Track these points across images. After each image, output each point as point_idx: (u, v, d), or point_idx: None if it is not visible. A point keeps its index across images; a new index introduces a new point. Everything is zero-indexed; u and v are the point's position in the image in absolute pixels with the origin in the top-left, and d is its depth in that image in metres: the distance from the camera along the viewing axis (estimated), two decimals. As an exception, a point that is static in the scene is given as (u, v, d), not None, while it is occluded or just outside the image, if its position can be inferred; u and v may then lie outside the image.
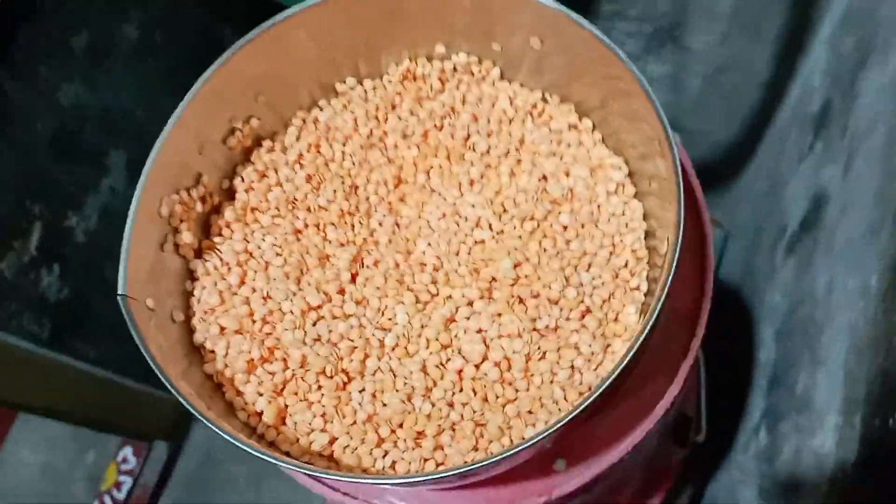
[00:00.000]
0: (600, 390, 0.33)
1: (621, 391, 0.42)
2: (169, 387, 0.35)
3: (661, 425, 0.45)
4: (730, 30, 0.93)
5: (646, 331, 0.34)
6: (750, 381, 0.78)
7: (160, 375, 0.36)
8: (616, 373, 0.34)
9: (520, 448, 0.32)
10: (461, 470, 0.33)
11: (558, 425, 0.33)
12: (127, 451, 1.24)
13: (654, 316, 0.34)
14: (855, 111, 0.66)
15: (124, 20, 0.99)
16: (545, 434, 0.33)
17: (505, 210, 0.43)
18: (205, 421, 0.35)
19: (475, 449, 0.38)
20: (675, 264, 0.35)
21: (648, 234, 0.42)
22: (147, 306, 0.39)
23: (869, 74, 0.64)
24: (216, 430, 0.34)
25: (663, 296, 0.34)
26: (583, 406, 0.33)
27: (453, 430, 0.39)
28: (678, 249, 0.35)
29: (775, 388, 0.69)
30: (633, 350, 0.34)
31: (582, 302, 0.40)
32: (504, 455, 0.33)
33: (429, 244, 0.44)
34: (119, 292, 0.37)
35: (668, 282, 0.34)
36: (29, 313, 0.94)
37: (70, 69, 0.92)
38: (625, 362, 0.34)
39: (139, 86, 1.01)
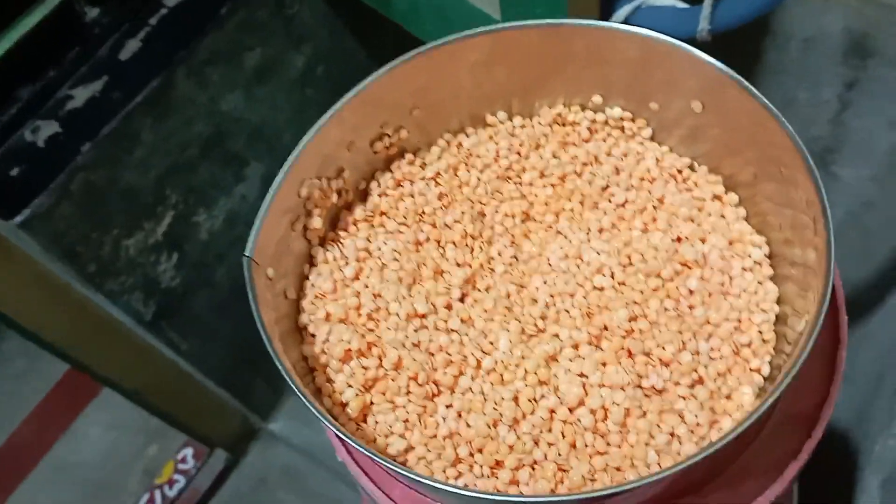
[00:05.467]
0: (696, 458, 0.31)
1: (715, 481, 0.39)
2: (271, 352, 0.36)
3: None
4: (884, 169, 0.90)
5: (761, 410, 0.32)
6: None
7: (266, 340, 0.36)
8: (719, 445, 0.31)
9: (621, 489, 0.30)
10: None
11: (648, 480, 0.31)
12: (187, 452, 1.25)
13: (774, 398, 0.32)
14: None
15: (296, 50, 1.06)
16: (633, 486, 0.31)
17: (631, 263, 0.42)
18: (299, 394, 0.35)
19: (552, 493, 0.36)
20: (807, 352, 0.32)
21: (779, 320, 0.40)
22: (267, 275, 0.40)
23: None
24: (308, 404, 0.34)
25: (787, 380, 0.31)
26: (675, 469, 0.31)
27: (533, 468, 0.37)
28: (813, 339, 0.33)
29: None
30: (744, 426, 0.32)
31: (695, 370, 0.38)
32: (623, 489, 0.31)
33: (544, 282, 0.43)
34: (246, 254, 0.38)
35: (798, 365, 0.32)
36: (139, 292, 0.99)
37: (237, 81, 0.99)
38: (732, 436, 0.31)
39: (293, 110, 1.07)
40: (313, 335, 0.42)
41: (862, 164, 0.92)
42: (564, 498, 0.32)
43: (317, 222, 0.44)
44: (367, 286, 0.43)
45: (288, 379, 0.35)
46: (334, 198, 0.45)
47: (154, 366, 1.07)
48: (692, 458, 0.30)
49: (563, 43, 0.44)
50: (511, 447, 0.37)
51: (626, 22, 0.65)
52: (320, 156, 0.43)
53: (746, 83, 0.39)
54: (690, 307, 0.40)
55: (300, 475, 1.20)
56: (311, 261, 0.45)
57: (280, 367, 0.35)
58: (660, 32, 0.64)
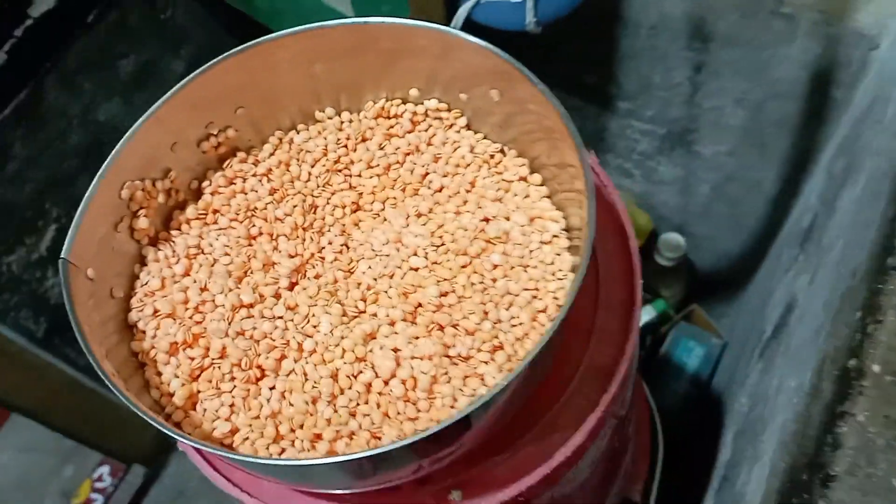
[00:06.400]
0: (467, 411, 0.34)
1: (525, 437, 0.43)
2: (86, 351, 0.37)
3: (570, 478, 0.45)
4: (738, 144, 0.96)
5: (529, 358, 0.35)
6: (707, 482, 0.77)
7: (81, 341, 0.38)
8: (490, 396, 0.35)
9: (387, 448, 0.33)
10: (337, 459, 0.34)
11: (423, 435, 0.34)
12: (104, 470, 1.23)
13: (539, 349, 0.35)
14: (829, 226, 0.67)
15: (174, 54, 1.06)
16: (404, 443, 0.34)
17: (443, 243, 0.45)
18: (114, 389, 0.36)
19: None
20: (569, 306, 0.36)
21: (576, 286, 0.44)
22: (87, 276, 0.41)
23: (845, 193, 0.66)
24: (125, 400, 0.36)
25: (551, 333, 0.35)
26: (449, 422, 0.34)
27: (350, 438, 0.40)
28: (574, 293, 0.37)
29: (724, 487, 0.68)
30: (517, 374, 0.35)
31: (496, 337, 0.41)
32: (385, 449, 0.34)
33: (369, 266, 0.46)
34: (62, 256, 0.40)
35: (559, 322, 0.36)
36: (27, 309, 0.97)
37: (113, 89, 0.98)
38: (500, 388, 0.35)
39: (174, 115, 1.06)
40: (143, 331, 0.43)
41: (719, 141, 0.98)
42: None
43: (143, 223, 0.45)
44: (195, 281, 0.45)
45: (102, 374, 0.36)
46: (161, 198, 0.47)
47: (52, 383, 1.04)
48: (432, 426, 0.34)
49: (375, 40, 0.47)
50: (329, 421, 0.40)
51: (468, 17, 0.69)
52: (140, 158, 0.44)
53: (523, 68, 0.42)
54: (493, 280, 0.44)
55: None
56: (143, 261, 0.46)
57: (94, 365, 0.37)
58: (498, 26, 0.68)
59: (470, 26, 0.72)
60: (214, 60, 0.45)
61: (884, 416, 0.36)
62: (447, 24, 0.71)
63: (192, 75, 0.45)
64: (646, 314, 1.08)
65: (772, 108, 0.88)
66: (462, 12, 0.68)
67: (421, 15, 0.68)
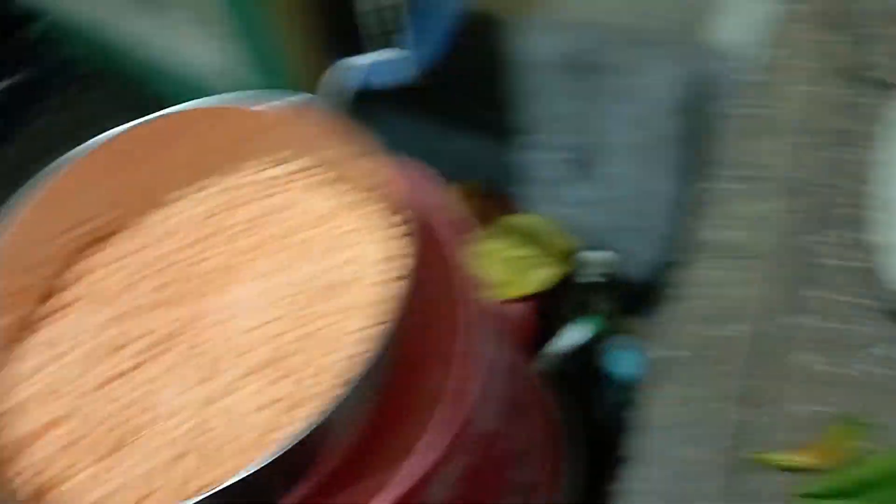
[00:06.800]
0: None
1: (358, 468, 0.46)
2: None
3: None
4: (641, 162, 1.01)
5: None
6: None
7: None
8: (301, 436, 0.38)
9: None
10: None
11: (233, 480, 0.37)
12: None
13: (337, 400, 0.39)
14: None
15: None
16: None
17: (282, 297, 0.49)
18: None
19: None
20: (373, 362, 0.41)
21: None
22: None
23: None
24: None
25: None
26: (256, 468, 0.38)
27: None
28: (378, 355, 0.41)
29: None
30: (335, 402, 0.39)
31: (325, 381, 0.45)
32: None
33: (218, 333, 0.49)
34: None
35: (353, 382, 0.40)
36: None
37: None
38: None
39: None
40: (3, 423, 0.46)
41: (623, 162, 1.03)
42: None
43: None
44: (46, 374, 0.48)
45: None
46: (22, 296, 0.51)
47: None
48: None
49: (228, 120, 0.53)
50: (179, 477, 0.43)
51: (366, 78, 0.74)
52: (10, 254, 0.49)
53: (347, 126, 0.49)
54: (328, 323, 0.47)
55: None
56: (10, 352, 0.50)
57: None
58: (381, 83, 0.72)
59: (361, 93, 0.77)
60: (75, 154, 0.50)
61: (681, 397, 0.42)
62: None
63: (49, 173, 0.50)
64: (579, 332, 1.10)
65: (663, 127, 0.93)
66: (349, 84, 0.72)
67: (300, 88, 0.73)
